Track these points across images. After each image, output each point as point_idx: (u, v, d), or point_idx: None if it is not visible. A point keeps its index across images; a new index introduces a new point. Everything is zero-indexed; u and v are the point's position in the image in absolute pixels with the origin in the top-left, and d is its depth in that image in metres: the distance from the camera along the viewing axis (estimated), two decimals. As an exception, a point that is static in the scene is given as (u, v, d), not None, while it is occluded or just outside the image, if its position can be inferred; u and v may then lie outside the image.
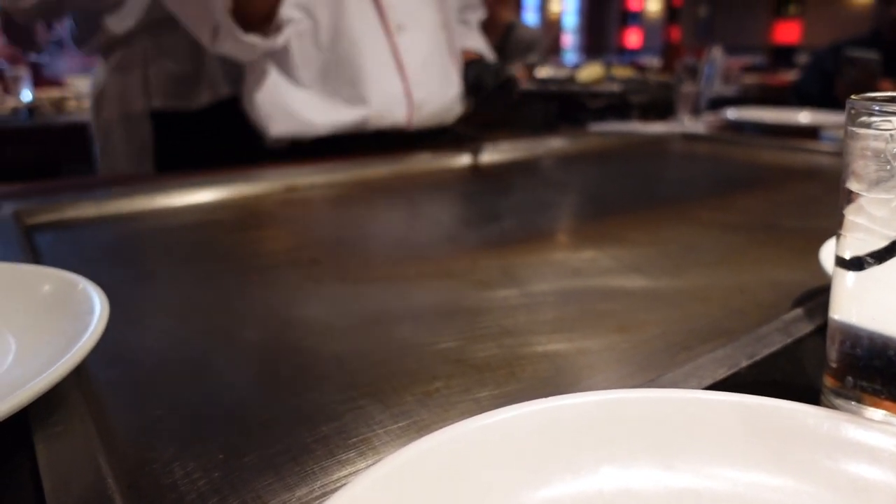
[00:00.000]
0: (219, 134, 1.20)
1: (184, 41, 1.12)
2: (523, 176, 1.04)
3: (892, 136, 0.25)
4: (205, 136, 1.21)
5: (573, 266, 0.58)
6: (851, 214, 0.28)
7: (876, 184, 0.26)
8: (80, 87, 2.46)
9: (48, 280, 0.39)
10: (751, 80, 3.08)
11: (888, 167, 0.25)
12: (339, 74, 1.08)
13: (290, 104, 1.06)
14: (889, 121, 0.25)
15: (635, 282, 0.53)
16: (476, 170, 1.04)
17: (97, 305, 0.35)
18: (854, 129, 0.27)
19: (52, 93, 2.43)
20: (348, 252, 0.64)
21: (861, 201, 0.27)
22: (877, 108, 0.25)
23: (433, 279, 0.55)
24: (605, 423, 0.24)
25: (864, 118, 0.26)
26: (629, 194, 0.92)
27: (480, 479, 0.21)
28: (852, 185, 0.27)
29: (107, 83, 1.23)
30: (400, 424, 0.32)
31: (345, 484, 0.20)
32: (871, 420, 0.24)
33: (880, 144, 0.25)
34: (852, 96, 0.27)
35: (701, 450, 0.23)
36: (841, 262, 0.29)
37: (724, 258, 0.61)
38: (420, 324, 0.45)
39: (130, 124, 1.24)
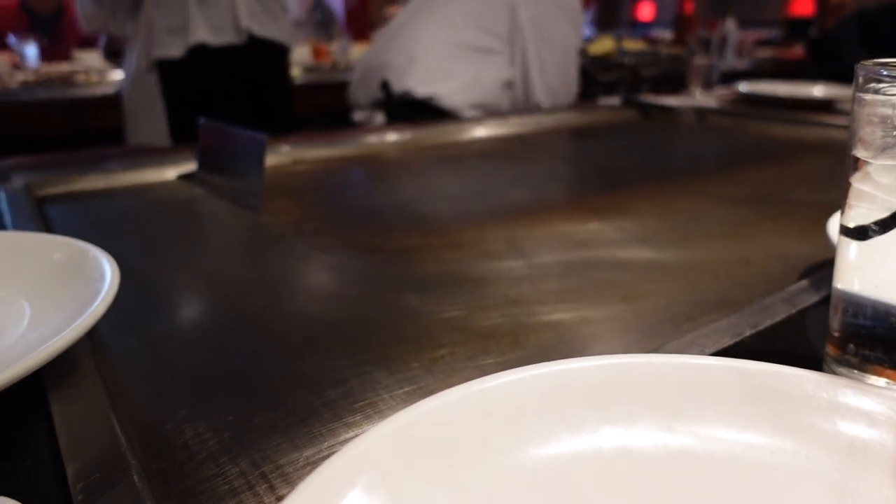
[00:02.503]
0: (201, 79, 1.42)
1: None
2: (531, 149, 1.03)
3: (900, 102, 0.25)
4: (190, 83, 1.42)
5: (579, 238, 0.58)
6: (857, 182, 0.27)
7: (882, 150, 0.26)
8: (88, 60, 2.45)
9: (60, 248, 0.40)
10: (765, 53, 3.03)
11: (895, 133, 0.25)
12: None
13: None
14: (898, 86, 0.25)
15: (641, 253, 0.53)
16: (485, 143, 1.04)
17: (108, 272, 0.35)
18: (862, 95, 0.26)
19: (62, 67, 2.43)
20: (355, 223, 0.65)
21: (867, 168, 0.27)
22: (885, 73, 0.25)
23: (439, 250, 0.55)
24: (606, 387, 0.24)
25: (872, 84, 0.26)
26: (638, 167, 0.91)
27: (482, 437, 0.22)
28: (859, 153, 0.27)
29: (137, 34, 1.37)
30: (405, 389, 0.33)
31: (350, 442, 0.21)
32: (871, 385, 0.24)
33: (888, 111, 0.25)
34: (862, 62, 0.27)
35: (700, 413, 0.23)
36: (846, 231, 0.29)
37: (731, 231, 0.61)
38: (426, 293, 0.46)
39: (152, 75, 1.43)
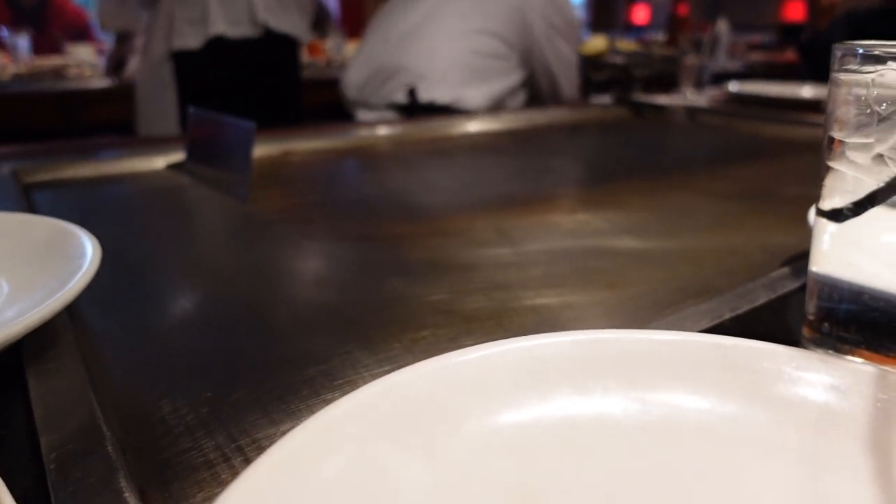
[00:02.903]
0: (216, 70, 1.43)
1: None
2: (523, 144, 1.03)
3: (873, 80, 0.25)
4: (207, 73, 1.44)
5: (567, 227, 0.58)
6: (832, 163, 0.28)
7: (857, 129, 0.26)
8: (80, 54, 2.44)
9: (41, 227, 0.40)
10: (757, 56, 3.04)
11: (868, 111, 0.25)
12: None
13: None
14: (871, 65, 0.25)
15: (627, 243, 0.54)
16: (477, 137, 1.04)
17: (89, 250, 0.35)
18: (838, 75, 0.27)
19: (54, 60, 2.41)
20: (344, 212, 0.65)
21: (842, 148, 0.27)
22: (861, 51, 0.25)
23: (428, 237, 0.55)
24: (581, 360, 0.24)
25: (848, 65, 0.26)
26: (628, 163, 0.91)
27: (455, 407, 0.22)
28: (835, 133, 0.27)
29: (153, 22, 1.39)
30: (385, 368, 0.33)
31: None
32: (843, 360, 0.24)
33: (862, 90, 0.26)
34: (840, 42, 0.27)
35: (674, 385, 0.24)
36: (821, 213, 0.30)
37: (718, 223, 0.61)
38: (412, 278, 0.46)
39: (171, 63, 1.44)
